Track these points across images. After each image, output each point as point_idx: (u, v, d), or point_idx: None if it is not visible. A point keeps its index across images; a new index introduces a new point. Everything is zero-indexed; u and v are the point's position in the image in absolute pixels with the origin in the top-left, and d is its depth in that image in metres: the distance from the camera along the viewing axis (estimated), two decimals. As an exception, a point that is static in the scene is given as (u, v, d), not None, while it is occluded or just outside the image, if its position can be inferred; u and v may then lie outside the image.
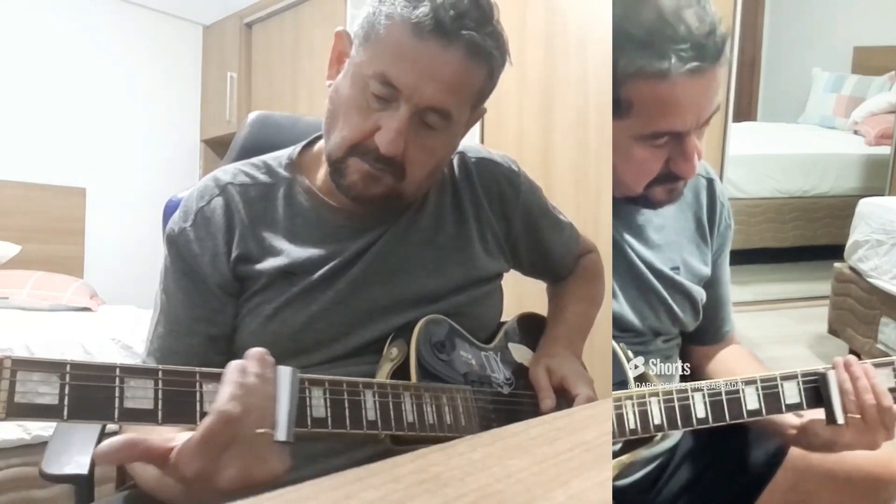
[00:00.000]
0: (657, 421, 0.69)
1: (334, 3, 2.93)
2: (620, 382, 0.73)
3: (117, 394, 0.51)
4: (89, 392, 0.50)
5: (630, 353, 0.75)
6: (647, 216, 0.86)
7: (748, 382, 0.71)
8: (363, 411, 0.64)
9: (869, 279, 2.31)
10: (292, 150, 0.88)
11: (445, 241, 0.87)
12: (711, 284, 0.91)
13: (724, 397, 0.70)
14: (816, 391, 0.72)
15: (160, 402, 0.53)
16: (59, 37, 3.16)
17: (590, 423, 0.61)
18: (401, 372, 0.74)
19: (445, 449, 0.48)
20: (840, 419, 0.70)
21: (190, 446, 0.51)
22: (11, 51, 3.01)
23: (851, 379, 0.70)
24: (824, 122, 3.90)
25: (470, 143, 0.91)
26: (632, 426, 0.68)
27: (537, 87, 2.15)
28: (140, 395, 0.52)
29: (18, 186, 3.01)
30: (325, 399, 0.61)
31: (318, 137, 0.88)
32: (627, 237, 0.84)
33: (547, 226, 0.97)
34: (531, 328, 0.96)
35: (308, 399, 0.60)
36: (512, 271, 0.98)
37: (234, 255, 0.79)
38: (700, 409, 0.70)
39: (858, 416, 0.69)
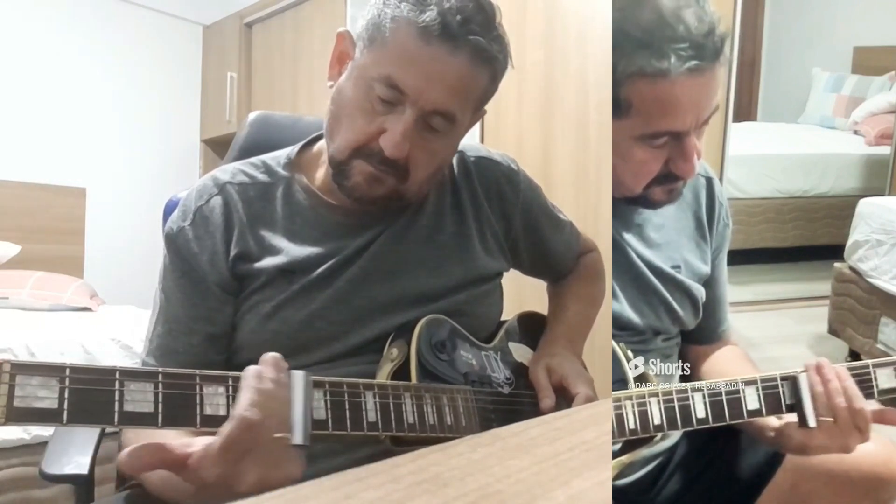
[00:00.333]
0: (657, 421, 0.69)
1: (334, 3, 2.93)
2: (620, 381, 0.73)
3: (117, 397, 0.51)
4: (89, 396, 0.50)
5: (630, 353, 0.75)
6: (645, 215, 0.86)
7: (748, 383, 0.71)
8: (364, 412, 0.64)
9: (869, 279, 2.31)
10: (291, 150, 0.88)
11: (445, 239, 0.87)
12: (709, 284, 0.91)
13: (724, 397, 0.70)
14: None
15: (160, 405, 0.53)
16: (59, 37, 3.16)
17: (590, 423, 0.61)
18: (401, 372, 0.74)
19: (445, 449, 0.48)
20: (811, 422, 0.69)
21: (212, 452, 0.52)
22: (11, 51, 3.01)
23: (822, 382, 0.70)
24: (824, 122, 3.90)
25: (469, 142, 0.91)
26: (632, 426, 0.68)
27: (537, 87, 2.15)
28: (140, 398, 0.52)
29: (18, 186, 3.01)
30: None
31: (318, 137, 0.89)
32: (627, 236, 0.84)
33: (547, 225, 0.97)
34: (531, 327, 0.96)
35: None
36: (512, 270, 0.98)
37: (232, 253, 0.79)
38: (700, 410, 0.70)
39: (831, 419, 0.69)
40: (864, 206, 2.42)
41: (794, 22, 4.00)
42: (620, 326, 0.83)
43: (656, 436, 0.69)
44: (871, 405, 0.71)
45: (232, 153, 1.06)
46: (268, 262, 0.79)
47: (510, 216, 0.93)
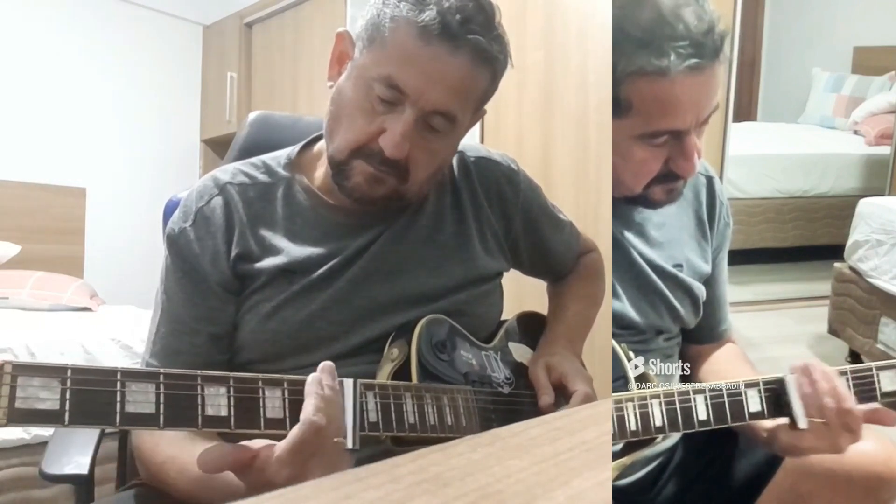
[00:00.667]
0: (658, 423, 0.68)
1: (334, 3, 2.93)
2: (621, 378, 0.73)
3: (119, 398, 0.51)
4: (90, 397, 0.50)
5: (630, 353, 0.74)
6: (646, 214, 0.86)
7: (750, 385, 0.71)
8: (365, 413, 0.64)
9: (869, 279, 2.31)
10: (291, 150, 0.88)
11: (445, 239, 0.87)
12: (710, 283, 0.91)
13: (726, 399, 0.70)
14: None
15: (161, 406, 0.53)
16: (58, 37, 3.16)
17: (590, 423, 0.61)
18: (402, 372, 0.74)
19: (445, 449, 0.48)
20: (802, 423, 0.69)
21: (282, 455, 0.55)
22: (11, 51, 3.01)
23: (811, 383, 0.70)
24: (824, 122, 3.90)
25: (469, 142, 0.91)
26: (633, 428, 0.68)
27: (537, 87, 2.15)
28: (141, 399, 0.52)
29: (18, 186, 3.01)
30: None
31: (318, 137, 0.88)
32: (628, 235, 0.84)
33: (547, 224, 0.97)
34: (531, 327, 0.96)
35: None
36: (512, 270, 0.98)
37: (233, 253, 0.79)
38: (702, 411, 0.70)
39: (821, 420, 0.69)
40: (864, 206, 2.42)
41: (794, 22, 4.00)
42: (622, 325, 0.83)
43: (657, 437, 0.69)
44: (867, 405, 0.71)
45: (232, 153, 1.06)
46: (268, 262, 0.79)
47: (510, 216, 0.93)
